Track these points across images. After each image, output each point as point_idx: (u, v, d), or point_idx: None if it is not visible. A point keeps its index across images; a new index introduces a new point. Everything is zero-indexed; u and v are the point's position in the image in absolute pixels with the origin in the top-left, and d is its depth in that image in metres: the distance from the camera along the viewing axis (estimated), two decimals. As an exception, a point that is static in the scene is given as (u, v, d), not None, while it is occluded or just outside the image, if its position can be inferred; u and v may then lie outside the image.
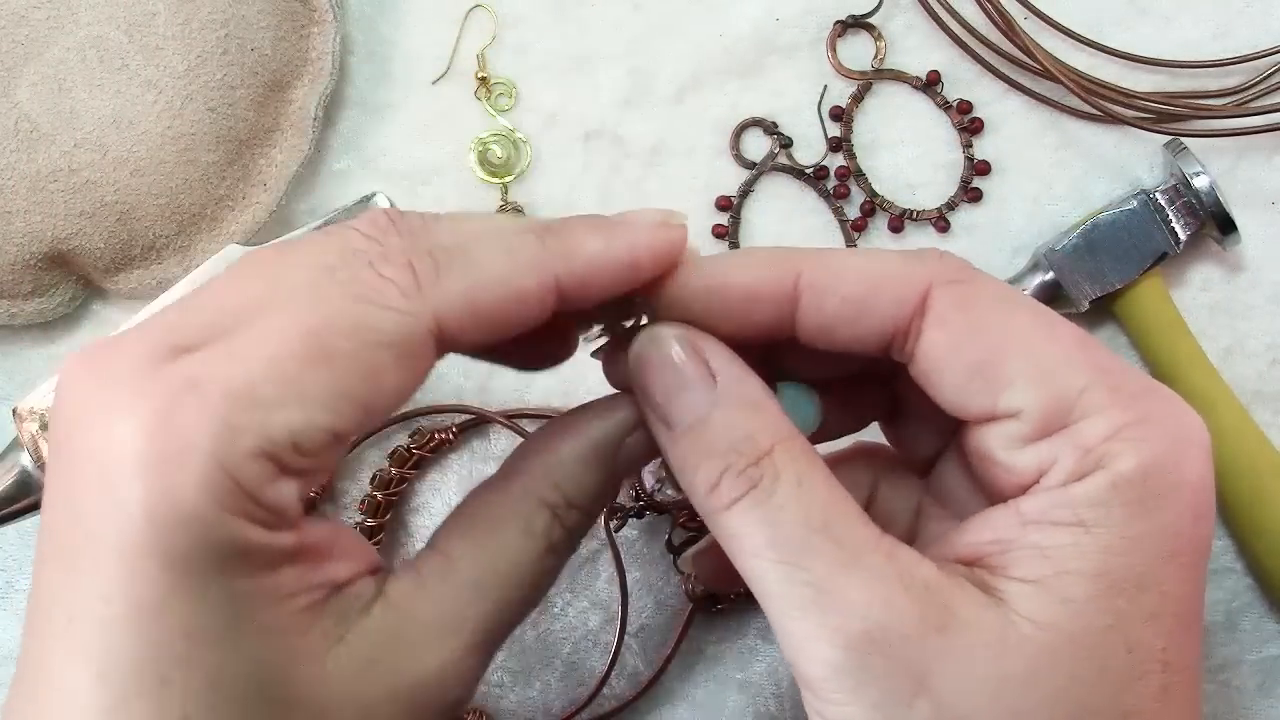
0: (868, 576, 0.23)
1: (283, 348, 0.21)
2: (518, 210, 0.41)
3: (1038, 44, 0.41)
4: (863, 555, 0.24)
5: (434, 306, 0.23)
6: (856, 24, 0.43)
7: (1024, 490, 0.24)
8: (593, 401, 0.27)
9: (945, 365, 0.25)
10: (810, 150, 0.43)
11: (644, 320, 0.27)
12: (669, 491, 0.39)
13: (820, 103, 0.43)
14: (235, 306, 0.22)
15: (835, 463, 0.31)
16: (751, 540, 0.24)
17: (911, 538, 0.29)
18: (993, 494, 0.25)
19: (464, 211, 0.26)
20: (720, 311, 0.26)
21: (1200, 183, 0.40)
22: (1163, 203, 0.40)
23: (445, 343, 0.23)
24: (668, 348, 0.26)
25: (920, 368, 0.25)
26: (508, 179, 0.41)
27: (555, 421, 0.27)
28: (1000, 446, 0.24)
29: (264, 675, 0.22)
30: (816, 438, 0.28)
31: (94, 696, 0.21)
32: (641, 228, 0.25)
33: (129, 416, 0.21)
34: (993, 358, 0.24)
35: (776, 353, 0.28)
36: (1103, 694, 0.23)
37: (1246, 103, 0.42)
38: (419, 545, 0.40)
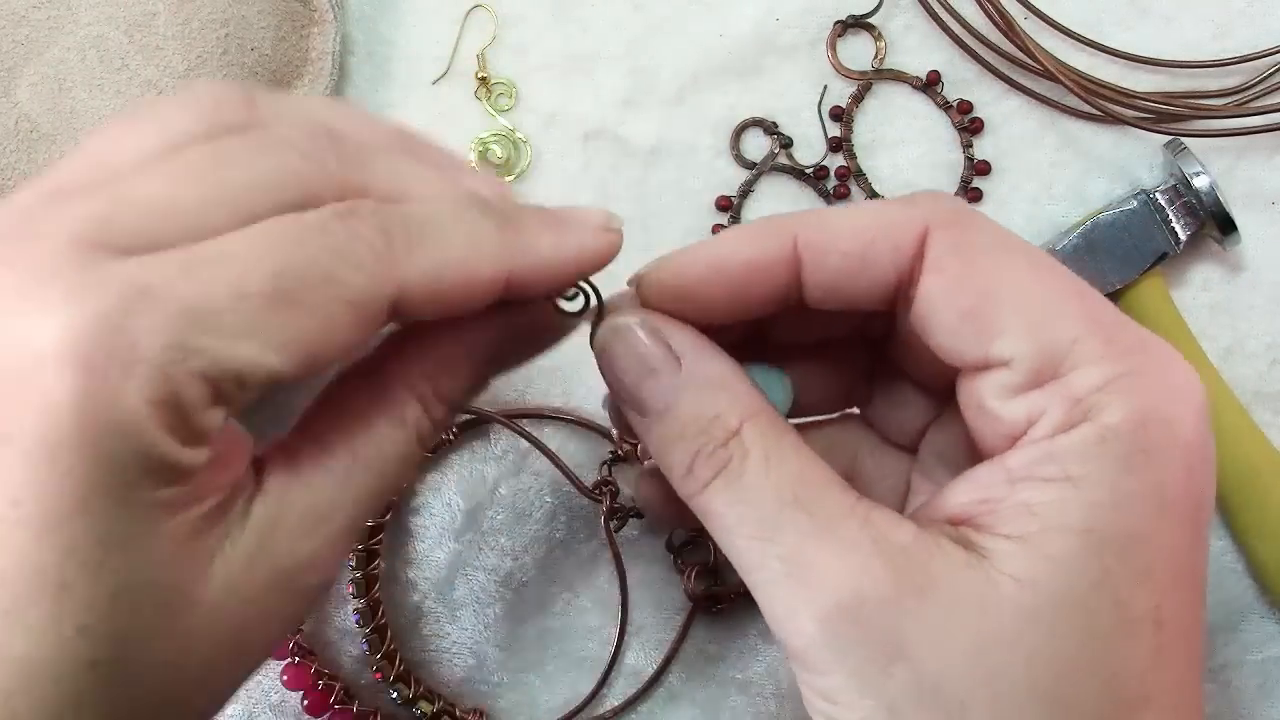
0: (840, 545, 0.23)
1: (249, 281, 0.21)
2: (518, 210, 0.41)
3: (1038, 44, 0.41)
4: (835, 523, 0.24)
5: (401, 276, 0.23)
6: (856, 24, 0.43)
7: (1013, 443, 0.24)
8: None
9: (940, 311, 0.24)
10: (810, 150, 0.43)
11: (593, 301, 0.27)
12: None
13: (820, 103, 0.43)
14: (175, 209, 0.22)
15: (821, 427, 0.31)
16: (726, 519, 0.24)
17: (900, 509, 0.29)
18: (984, 450, 0.25)
19: (412, 151, 0.26)
20: (723, 288, 0.26)
21: (1200, 183, 0.40)
22: (1163, 203, 0.40)
23: (396, 313, 0.23)
24: (630, 337, 0.26)
25: (917, 314, 0.25)
26: (508, 179, 0.41)
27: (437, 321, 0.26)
28: (991, 395, 0.24)
29: (164, 582, 0.22)
30: (792, 416, 0.29)
31: None
32: (588, 230, 0.26)
33: (62, 312, 0.20)
34: (986, 305, 0.24)
35: (766, 327, 0.29)
36: (1089, 653, 0.22)
37: (1246, 103, 0.42)
38: (419, 545, 0.40)
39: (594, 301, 0.26)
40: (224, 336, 0.21)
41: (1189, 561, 0.23)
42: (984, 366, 0.24)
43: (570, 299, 0.27)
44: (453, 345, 0.26)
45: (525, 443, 0.40)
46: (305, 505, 0.24)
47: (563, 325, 0.27)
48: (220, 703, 0.25)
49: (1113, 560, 0.22)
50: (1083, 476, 0.22)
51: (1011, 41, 0.41)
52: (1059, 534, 0.22)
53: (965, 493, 0.24)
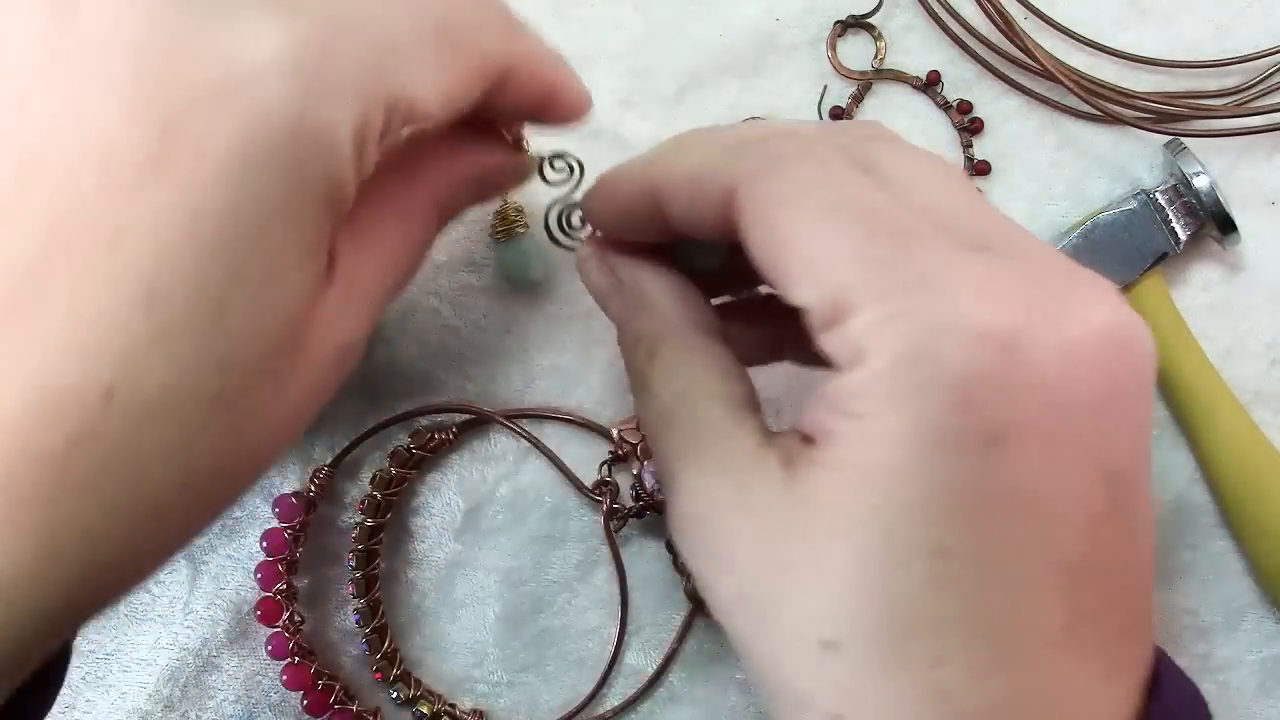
0: (691, 461, 0.26)
1: (424, 24, 0.23)
2: (518, 210, 0.41)
3: (1038, 44, 0.41)
4: (693, 439, 0.26)
5: (512, 53, 0.26)
6: (856, 24, 0.43)
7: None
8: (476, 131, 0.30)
9: (756, 259, 0.25)
10: (810, 150, 0.43)
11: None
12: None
13: (820, 103, 0.43)
14: None
15: None
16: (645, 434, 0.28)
17: None
18: None
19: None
20: (623, 219, 0.30)
21: (1200, 183, 0.40)
22: (1163, 203, 0.40)
23: (486, 90, 0.26)
24: (588, 266, 0.31)
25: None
26: (508, 179, 0.41)
27: (455, 141, 0.29)
28: (814, 332, 0.25)
29: (294, 323, 0.22)
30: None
31: (130, 323, 0.20)
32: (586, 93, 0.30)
33: (278, 27, 0.20)
34: (781, 256, 0.24)
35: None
36: (860, 580, 0.22)
37: (1246, 103, 0.42)
38: (419, 545, 0.40)
39: (577, 172, 0.31)
40: (406, 72, 0.22)
41: (981, 491, 0.22)
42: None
43: (557, 171, 0.31)
44: (465, 168, 0.29)
45: (525, 443, 0.40)
46: (365, 280, 0.25)
47: (529, 172, 0.31)
48: (259, 476, 0.24)
49: (880, 494, 0.22)
50: (858, 412, 0.23)
51: (1011, 41, 0.41)
52: (842, 466, 0.23)
53: (811, 409, 0.25)
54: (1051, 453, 0.23)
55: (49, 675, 0.24)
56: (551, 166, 0.30)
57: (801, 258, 0.24)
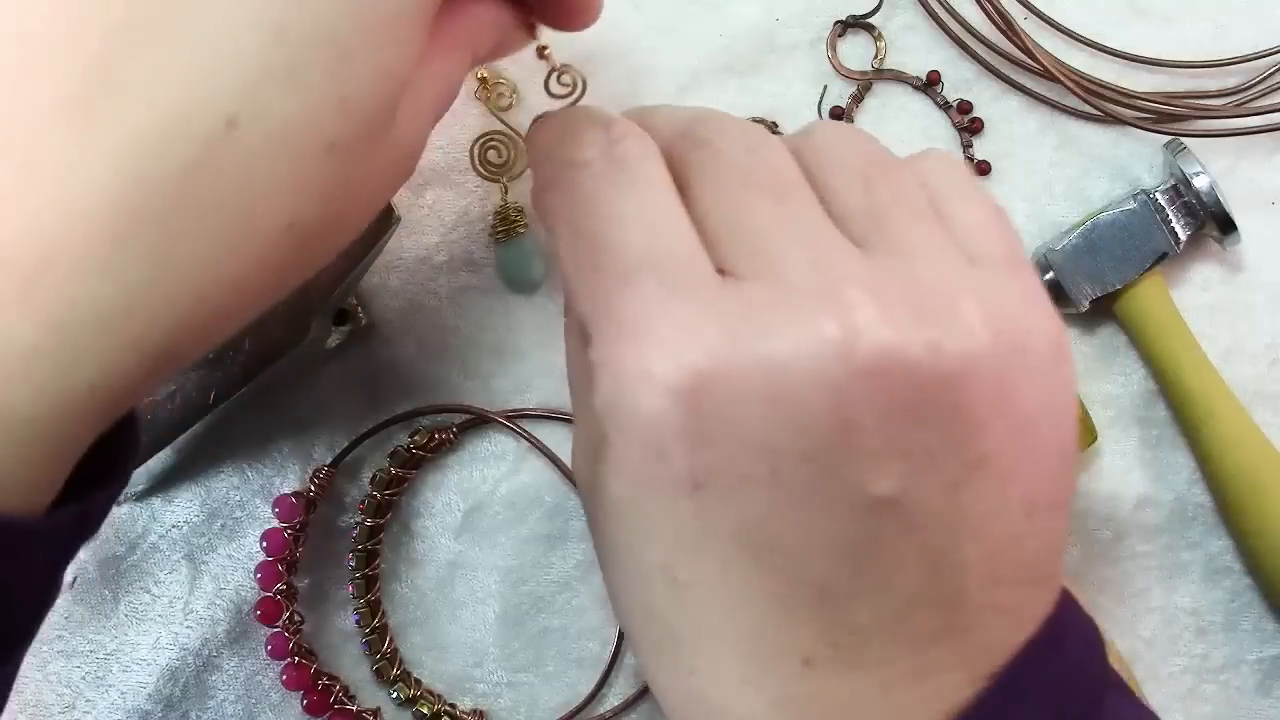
0: (577, 426, 0.27)
1: None
2: (518, 210, 0.41)
3: (1038, 44, 0.41)
4: (578, 406, 0.27)
5: None
6: (856, 24, 0.43)
7: None
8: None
9: None
10: (810, 150, 0.43)
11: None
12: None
13: (820, 103, 0.43)
14: None
15: None
16: None
17: None
18: None
19: None
20: None
21: (1200, 183, 0.40)
22: (1163, 203, 0.40)
23: None
24: (535, 200, 0.30)
25: None
26: (508, 179, 0.41)
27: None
28: None
29: (394, 95, 0.23)
30: None
31: (259, 55, 0.20)
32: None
33: None
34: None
35: None
36: (629, 589, 0.25)
37: (1246, 103, 0.42)
38: (419, 545, 0.40)
39: (580, 88, 0.32)
40: None
41: (695, 530, 0.23)
42: None
43: (564, 85, 0.32)
44: (490, 18, 0.29)
45: (525, 443, 0.40)
46: (426, 92, 0.25)
47: (524, 41, 0.33)
48: (341, 245, 0.25)
49: (619, 518, 0.24)
50: (601, 438, 0.24)
51: (1011, 41, 0.41)
52: (602, 481, 0.24)
53: None
54: (771, 494, 0.22)
55: (123, 442, 0.24)
56: (559, 81, 0.30)
57: (566, 278, 0.26)
